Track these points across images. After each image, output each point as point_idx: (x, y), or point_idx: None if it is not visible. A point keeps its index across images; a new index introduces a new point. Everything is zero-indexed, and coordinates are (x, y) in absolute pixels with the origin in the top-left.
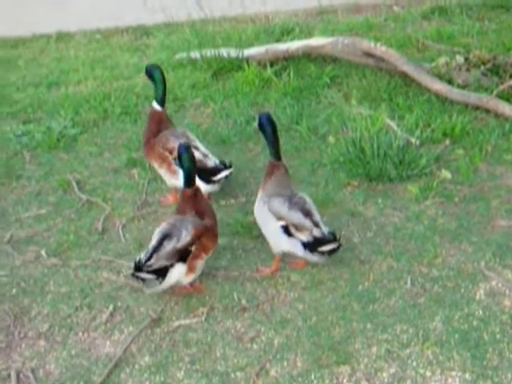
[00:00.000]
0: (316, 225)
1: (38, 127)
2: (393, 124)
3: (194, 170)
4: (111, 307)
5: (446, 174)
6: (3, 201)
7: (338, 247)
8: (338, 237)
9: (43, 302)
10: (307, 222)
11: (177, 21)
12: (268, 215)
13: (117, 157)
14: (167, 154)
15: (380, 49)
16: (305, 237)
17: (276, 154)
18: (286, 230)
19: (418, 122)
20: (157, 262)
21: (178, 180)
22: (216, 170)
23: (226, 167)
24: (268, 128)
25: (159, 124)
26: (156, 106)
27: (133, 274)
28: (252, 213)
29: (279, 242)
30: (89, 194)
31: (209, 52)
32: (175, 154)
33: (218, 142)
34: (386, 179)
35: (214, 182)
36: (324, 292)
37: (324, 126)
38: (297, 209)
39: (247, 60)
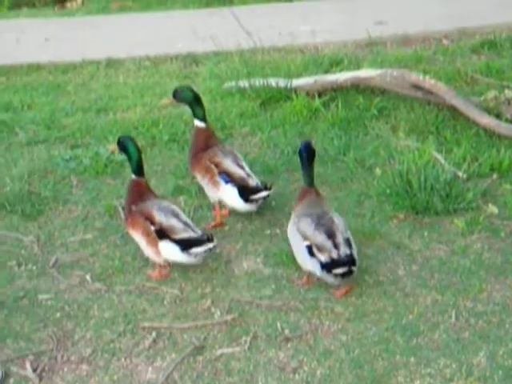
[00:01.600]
0: (336, 246)
1: (86, 152)
2: (440, 157)
3: (140, 158)
4: (154, 334)
5: (492, 208)
6: (50, 225)
7: (351, 272)
8: (354, 260)
9: (87, 327)
10: (328, 244)
11: (226, 50)
12: (296, 234)
13: (163, 184)
14: (213, 166)
15: (429, 82)
16: (323, 257)
17: (309, 180)
18: (310, 249)
19: (465, 155)
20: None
21: (219, 192)
22: (256, 190)
23: (266, 189)
24: (304, 154)
25: (207, 139)
26: (199, 123)
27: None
28: None
29: (304, 261)
30: None
31: (257, 81)
32: (220, 168)
33: (264, 172)
34: (433, 212)
35: (252, 200)
36: (368, 324)
37: (371, 157)
38: (322, 230)
39: (295, 90)
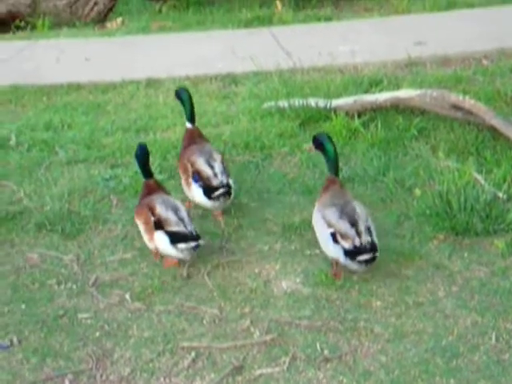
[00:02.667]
0: (359, 234)
1: (126, 172)
2: (480, 178)
3: (148, 162)
4: (193, 353)
5: None
6: (89, 244)
7: (374, 258)
8: (376, 247)
9: (126, 346)
10: (351, 231)
11: (265, 70)
12: (321, 222)
13: None
14: (189, 165)
15: (468, 102)
16: (347, 245)
17: (335, 169)
18: (334, 236)
19: (505, 176)
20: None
21: (190, 192)
22: (216, 189)
23: (224, 187)
24: (329, 145)
25: (191, 139)
26: (188, 124)
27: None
28: None
29: (328, 248)
30: None
31: (297, 101)
32: (194, 167)
33: (304, 192)
34: (473, 233)
35: (213, 198)
36: (407, 345)
37: (411, 178)
38: (345, 218)
39: (335, 110)
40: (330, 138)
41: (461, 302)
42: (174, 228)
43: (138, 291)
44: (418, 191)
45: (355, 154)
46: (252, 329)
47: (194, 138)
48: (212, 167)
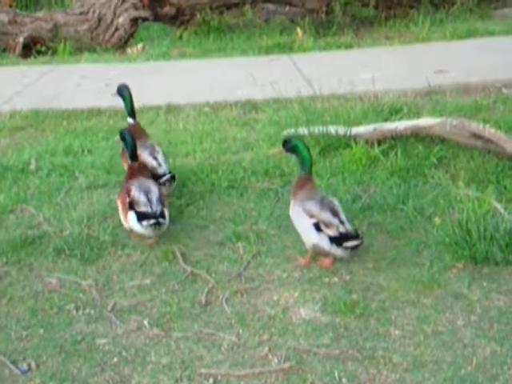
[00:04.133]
0: (342, 223)
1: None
2: (500, 207)
3: (135, 147)
4: (211, 380)
5: None
6: (108, 269)
7: (361, 243)
8: (360, 235)
9: (144, 372)
10: (335, 220)
11: (286, 97)
12: (302, 214)
13: (222, 230)
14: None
15: (488, 131)
16: (332, 232)
17: (309, 168)
18: (317, 226)
19: None
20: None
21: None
22: (163, 176)
23: (170, 173)
24: (301, 146)
25: (134, 135)
26: (129, 119)
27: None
28: (356, 291)
29: (311, 237)
30: (193, 265)
31: (317, 129)
32: (140, 159)
33: None
34: (492, 262)
35: (161, 184)
36: (426, 375)
37: (430, 206)
38: (326, 209)
39: (355, 138)
40: (299, 139)
41: (480, 332)
42: (142, 208)
43: (156, 317)
44: (437, 220)
45: (375, 182)
46: (270, 356)
47: (135, 133)
48: (155, 158)
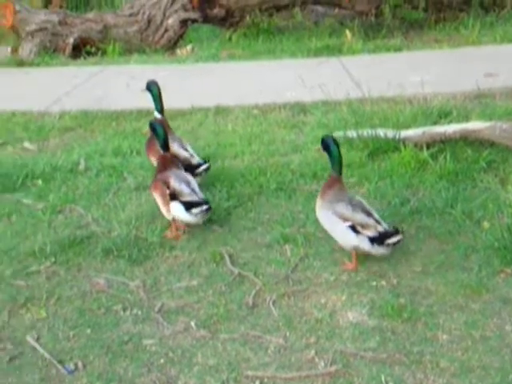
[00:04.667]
0: (378, 222)
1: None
2: None
3: (167, 138)
4: (258, 382)
5: None
6: (156, 270)
7: (402, 238)
8: (400, 230)
9: (190, 374)
10: (371, 221)
11: (334, 99)
12: (334, 218)
13: (270, 232)
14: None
15: None
16: (371, 233)
17: (338, 169)
18: (354, 228)
19: None
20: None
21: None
22: (198, 166)
23: (205, 163)
24: (334, 147)
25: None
26: (157, 114)
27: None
28: (403, 295)
29: (349, 240)
30: (240, 267)
31: (365, 132)
32: (171, 151)
33: None
34: None
35: (196, 174)
36: (473, 380)
37: (479, 210)
38: (358, 210)
39: (404, 141)
40: (335, 141)
41: None
42: (187, 198)
43: (203, 319)
44: (486, 224)
45: (423, 186)
46: (317, 359)
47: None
48: (186, 149)
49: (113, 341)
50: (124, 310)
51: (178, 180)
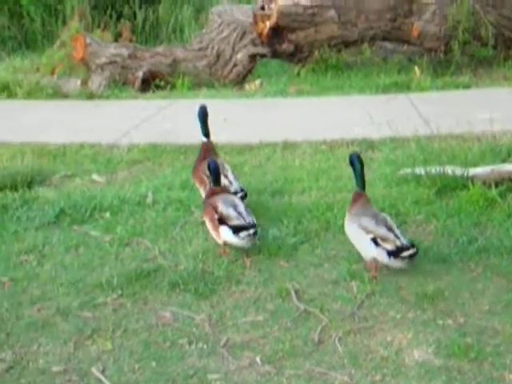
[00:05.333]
0: (397, 237)
1: (260, 233)
2: None
3: (219, 173)
4: None
5: None
6: (222, 304)
7: (416, 253)
8: (415, 245)
9: None
10: (391, 235)
11: (403, 136)
12: (359, 230)
13: (336, 268)
14: (205, 177)
15: None
16: (389, 246)
17: (362, 185)
18: (375, 241)
19: None
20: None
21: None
22: (235, 193)
23: (242, 191)
24: (357, 163)
25: (205, 152)
26: (203, 138)
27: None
28: (470, 334)
29: (369, 251)
30: (306, 303)
31: (434, 169)
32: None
33: (438, 261)
34: None
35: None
36: None
37: None
38: (382, 225)
39: (472, 179)
40: (359, 158)
41: None
42: (235, 222)
43: (268, 354)
44: None
45: (491, 224)
46: None
47: (208, 150)
48: (225, 176)
49: (178, 374)
50: (189, 343)
51: (225, 204)
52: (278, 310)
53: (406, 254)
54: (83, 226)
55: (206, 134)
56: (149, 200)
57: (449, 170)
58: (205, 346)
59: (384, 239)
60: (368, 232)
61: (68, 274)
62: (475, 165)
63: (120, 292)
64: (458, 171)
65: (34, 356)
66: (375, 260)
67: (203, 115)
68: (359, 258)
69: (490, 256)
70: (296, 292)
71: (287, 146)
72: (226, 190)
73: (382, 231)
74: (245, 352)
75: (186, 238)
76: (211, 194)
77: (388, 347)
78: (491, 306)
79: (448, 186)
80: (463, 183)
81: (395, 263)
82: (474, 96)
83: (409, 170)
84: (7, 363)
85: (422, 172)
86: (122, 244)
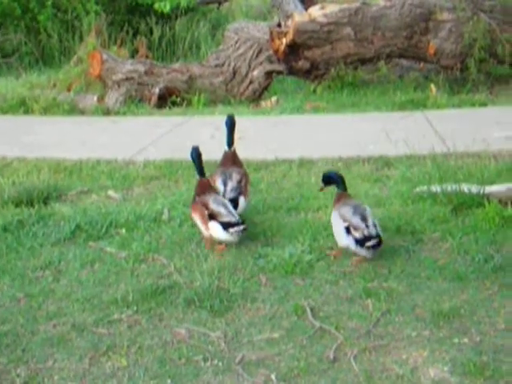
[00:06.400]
0: (367, 227)
1: (276, 251)
2: None
3: (202, 164)
4: None
5: None
6: (237, 322)
7: (379, 243)
8: (380, 236)
9: None
10: (362, 225)
11: (419, 153)
12: (338, 218)
13: (352, 286)
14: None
15: None
16: (358, 235)
17: (343, 187)
18: (348, 229)
19: None
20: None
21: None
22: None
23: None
24: (339, 179)
25: (228, 160)
26: (226, 148)
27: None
28: (486, 352)
29: (342, 238)
30: (322, 321)
31: (450, 186)
32: (215, 185)
33: (454, 279)
34: None
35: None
36: None
37: None
38: (357, 215)
39: (488, 197)
40: (336, 173)
41: None
42: (225, 219)
43: (283, 372)
44: None
45: (507, 242)
46: None
47: (228, 159)
48: (225, 206)
49: None
50: (204, 360)
51: (216, 202)
52: (294, 327)
53: (369, 243)
54: (99, 242)
55: (231, 143)
56: (165, 216)
57: (465, 187)
58: (220, 363)
59: (356, 228)
60: (345, 220)
61: (83, 290)
62: (491, 183)
63: (135, 308)
64: (474, 189)
65: (50, 372)
66: (346, 247)
67: (231, 124)
68: (375, 275)
69: (505, 274)
70: (311, 309)
71: (303, 162)
72: (211, 185)
73: (356, 220)
74: (260, 369)
75: (202, 255)
76: (200, 187)
77: (403, 365)
78: (507, 324)
79: (464, 204)
80: (479, 201)
81: (361, 251)
82: (491, 114)
83: (425, 188)
84: (22, 379)
85: (438, 190)
86: (138, 260)
